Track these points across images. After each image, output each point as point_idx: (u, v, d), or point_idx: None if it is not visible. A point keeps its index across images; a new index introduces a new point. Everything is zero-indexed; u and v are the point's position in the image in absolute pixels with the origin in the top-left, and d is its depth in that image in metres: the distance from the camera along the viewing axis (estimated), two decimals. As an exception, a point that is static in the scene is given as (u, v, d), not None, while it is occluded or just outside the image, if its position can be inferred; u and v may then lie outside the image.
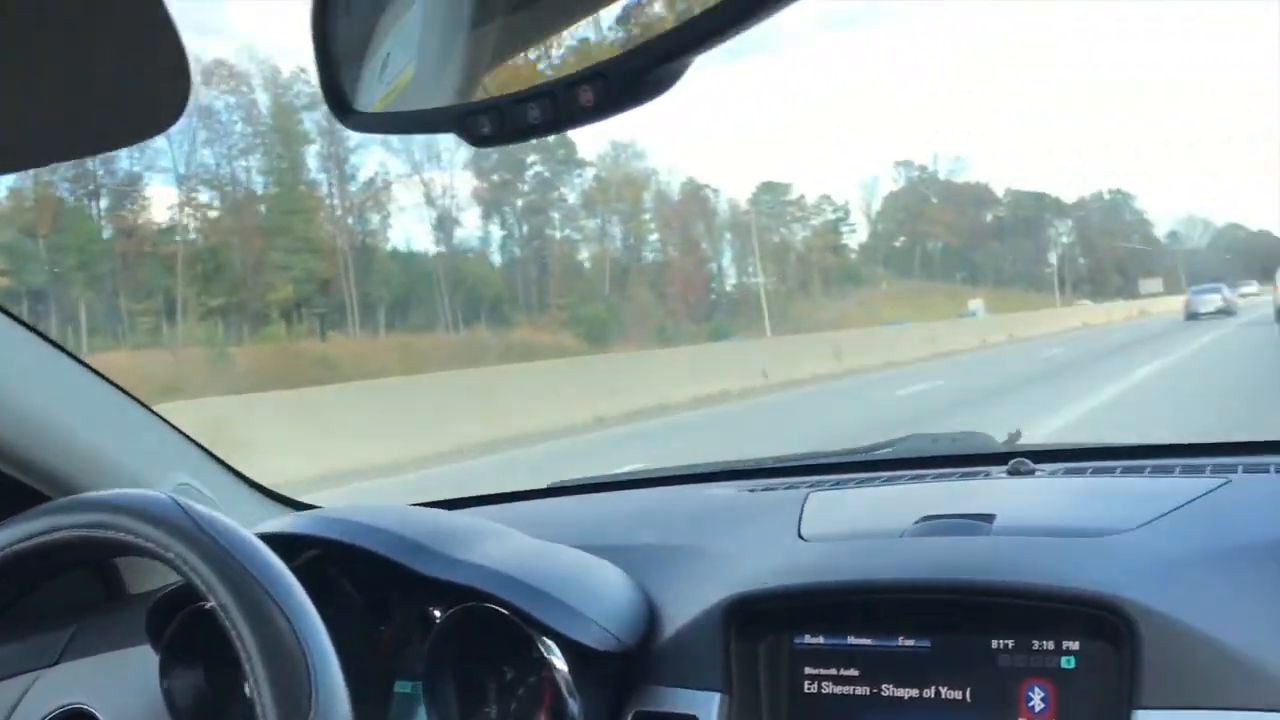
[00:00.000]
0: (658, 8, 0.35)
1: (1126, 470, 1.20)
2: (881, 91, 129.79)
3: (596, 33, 0.36)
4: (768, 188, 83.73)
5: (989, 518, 1.01)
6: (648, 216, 75.31)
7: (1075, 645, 0.86)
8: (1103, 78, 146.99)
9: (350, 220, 58.35)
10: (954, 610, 0.91)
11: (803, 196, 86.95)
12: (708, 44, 0.35)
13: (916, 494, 1.21)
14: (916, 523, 1.03)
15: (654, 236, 75.49)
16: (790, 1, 0.33)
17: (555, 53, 0.38)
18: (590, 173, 71.55)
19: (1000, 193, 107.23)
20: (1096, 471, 1.22)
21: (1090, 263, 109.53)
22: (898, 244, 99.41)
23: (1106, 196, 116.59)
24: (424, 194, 64.47)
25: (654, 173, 75.47)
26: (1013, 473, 1.21)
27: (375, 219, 61.94)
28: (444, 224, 65.88)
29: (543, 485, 1.59)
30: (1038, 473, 1.21)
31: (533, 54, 0.38)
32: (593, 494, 1.53)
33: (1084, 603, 0.85)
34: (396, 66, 0.43)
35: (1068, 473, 1.23)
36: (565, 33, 0.38)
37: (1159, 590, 0.85)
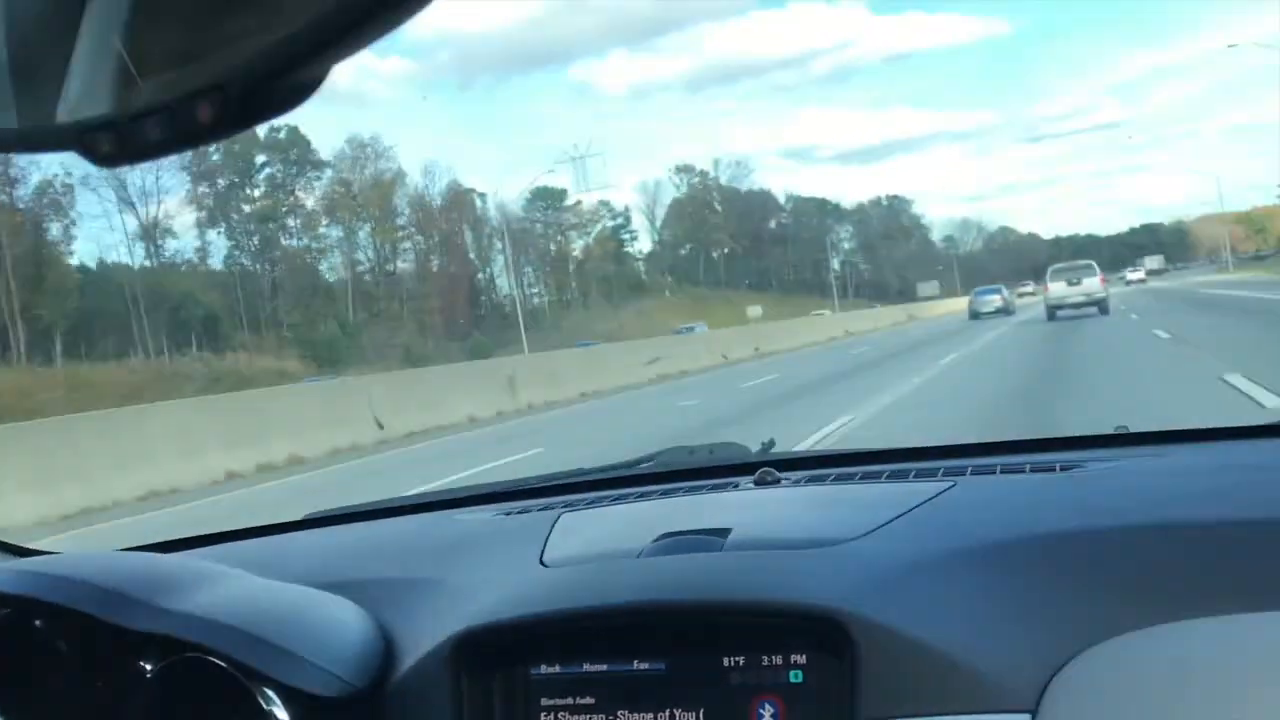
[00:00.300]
0: (279, 15, 0.33)
1: (866, 476, 1.24)
2: (662, 95, 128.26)
3: (218, 43, 0.35)
4: (542, 193, 78.04)
5: (724, 532, 1.01)
6: (402, 221, 68.16)
7: (803, 659, 0.86)
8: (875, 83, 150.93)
9: (17, 230, 48.27)
10: (689, 630, 0.91)
11: (579, 202, 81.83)
12: (334, 53, 0.34)
13: (661, 510, 1.22)
14: (655, 541, 1.03)
15: (407, 245, 68.49)
16: (421, 7, 0.33)
17: (176, 67, 0.36)
18: (330, 174, 64.12)
19: (782, 199, 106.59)
20: (838, 479, 1.26)
21: (872, 268, 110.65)
22: (683, 252, 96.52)
23: (884, 202, 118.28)
24: (119, 198, 54.96)
25: (403, 174, 68.38)
26: (759, 483, 1.24)
27: (54, 227, 52.09)
28: (150, 233, 56.46)
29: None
30: (783, 482, 1.25)
31: (152, 66, 0.36)
32: (347, 524, 1.47)
33: (805, 616, 0.86)
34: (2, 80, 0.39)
35: (810, 480, 1.26)
36: (187, 42, 0.36)
37: (878, 599, 0.86)
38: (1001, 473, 1.18)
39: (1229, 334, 13.48)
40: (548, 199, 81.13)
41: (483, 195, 75.31)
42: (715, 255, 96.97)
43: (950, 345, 18.43)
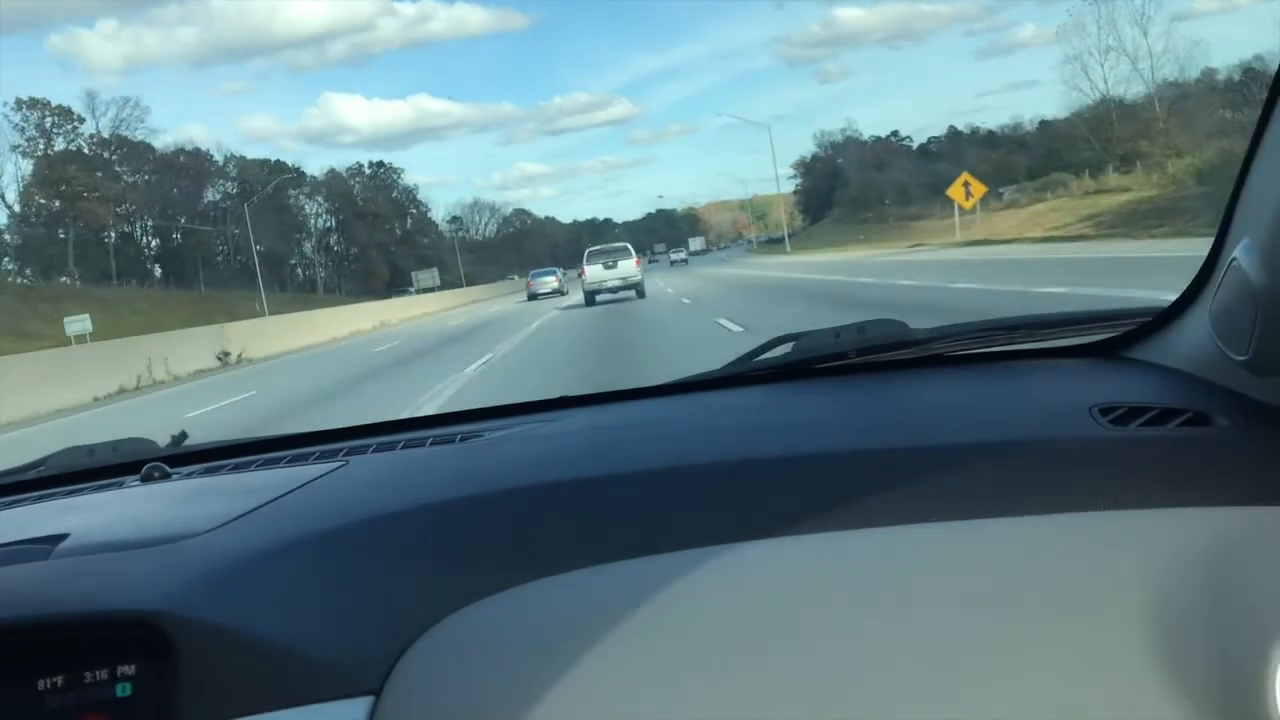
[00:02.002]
0: None
1: (265, 464, 1.22)
2: (160, 71, 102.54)
3: None
4: None
5: (59, 539, 0.93)
6: None
7: (132, 670, 0.80)
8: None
9: None
10: (17, 649, 0.82)
11: None
12: None
13: (21, 519, 1.11)
14: None
15: None
16: None
17: None
18: None
19: (221, 158, 76.97)
20: (235, 469, 1.22)
21: (357, 253, 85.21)
22: (53, 232, 63.24)
23: (368, 170, 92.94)
24: None
25: None
26: (145, 479, 1.19)
27: None
28: None
29: None
30: (174, 476, 1.20)
31: None
32: None
33: (126, 622, 0.80)
34: None
35: (205, 472, 1.21)
36: None
37: (209, 596, 0.82)
38: (404, 448, 1.18)
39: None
40: None
41: None
42: (104, 237, 64.92)
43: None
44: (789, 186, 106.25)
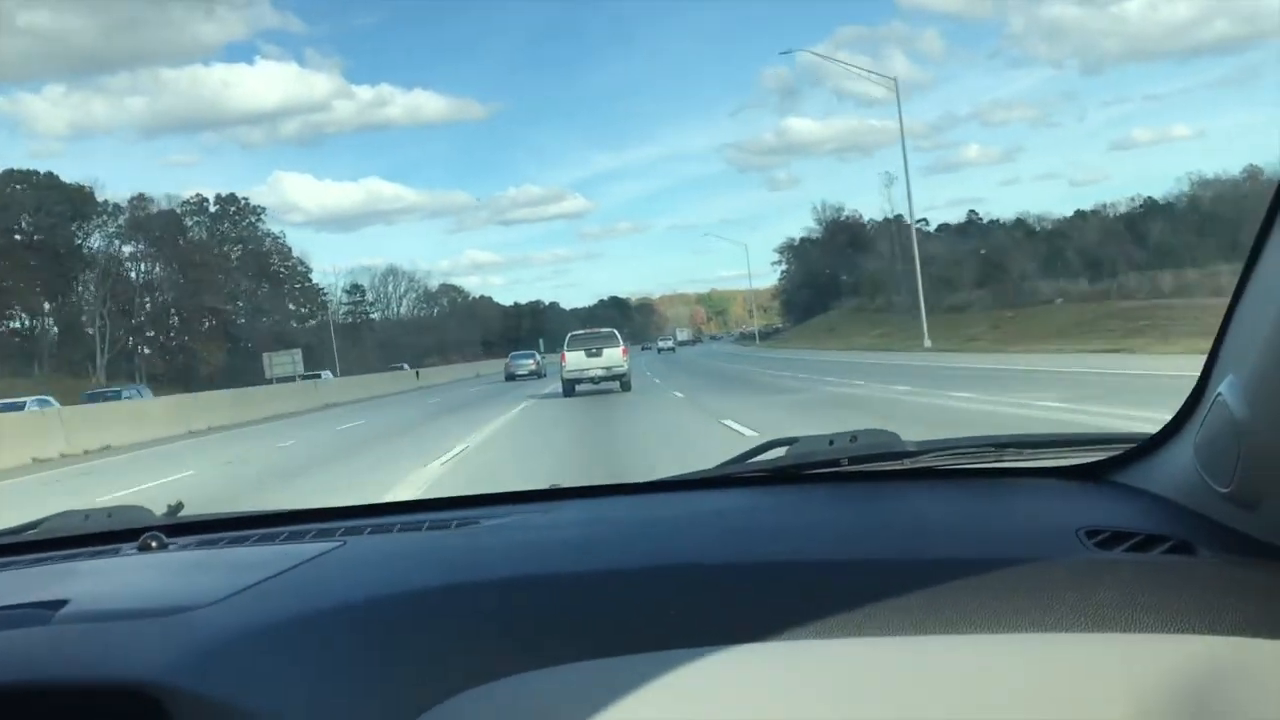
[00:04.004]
0: None
1: (262, 539, 1.23)
2: (107, 138, 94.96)
3: None
4: None
5: (59, 604, 0.92)
6: None
7: None
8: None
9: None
10: (14, 713, 0.82)
11: None
12: None
13: (12, 583, 1.10)
14: None
15: None
16: None
17: None
18: None
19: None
20: (232, 542, 1.22)
21: (180, 323, 59.94)
22: None
23: (213, 208, 68.00)
24: None
25: None
26: (143, 548, 1.18)
27: None
28: None
29: None
30: (170, 547, 1.20)
31: None
32: None
33: (123, 692, 0.80)
34: None
35: (201, 545, 1.22)
36: None
37: (207, 670, 0.82)
38: (400, 531, 1.19)
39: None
40: None
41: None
42: None
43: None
44: (771, 275, 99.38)
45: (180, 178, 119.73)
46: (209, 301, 59.75)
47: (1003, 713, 0.81)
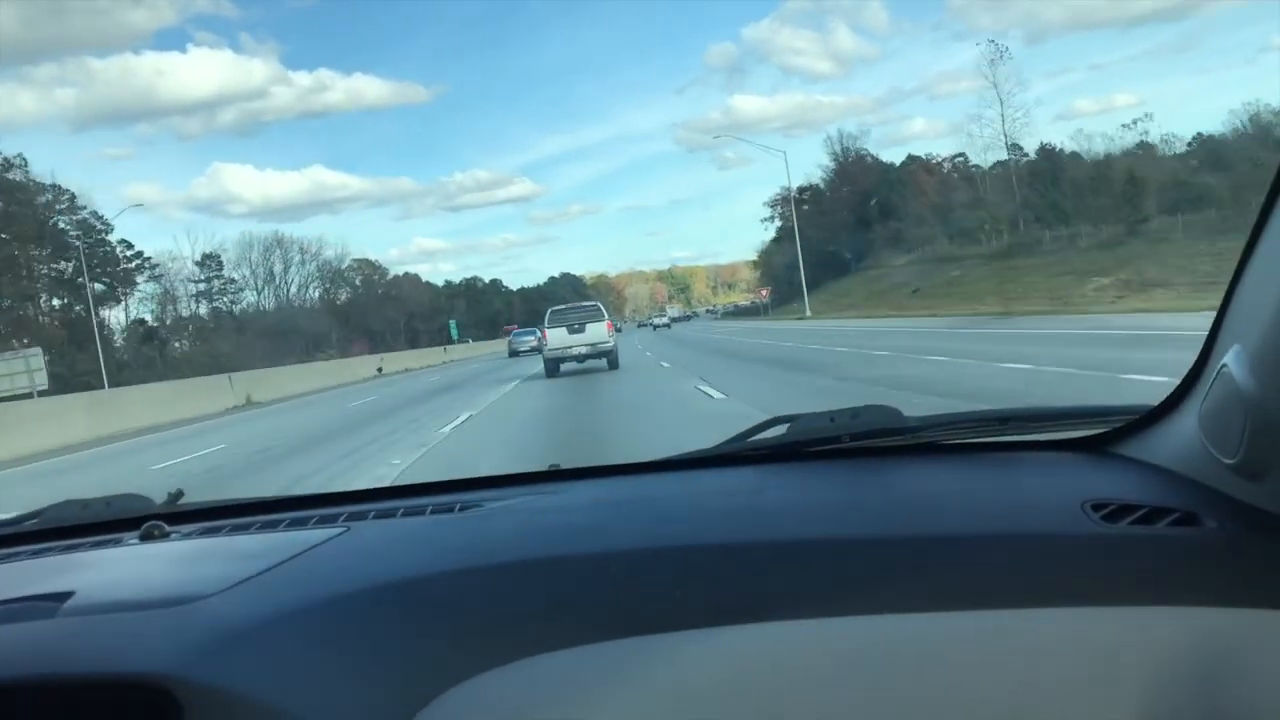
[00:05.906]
0: None
1: (264, 526, 1.22)
2: (34, 131, 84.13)
3: None
4: None
5: (65, 596, 0.93)
6: None
7: None
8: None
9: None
10: (19, 706, 0.81)
11: None
12: None
13: (13, 574, 1.11)
14: None
15: None
16: None
17: None
18: None
19: None
20: (234, 530, 1.22)
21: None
22: None
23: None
24: None
25: None
26: (145, 537, 1.18)
27: None
28: None
29: None
30: (173, 535, 1.20)
31: None
32: None
33: (132, 684, 0.80)
34: None
35: (204, 533, 1.22)
36: None
37: (215, 660, 0.81)
38: (403, 516, 1.19)
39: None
40: None
41: None
42: None
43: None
44: (741, 249, 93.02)
45: (115, 172, 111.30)
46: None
47: (1011, 686, 0.83)
